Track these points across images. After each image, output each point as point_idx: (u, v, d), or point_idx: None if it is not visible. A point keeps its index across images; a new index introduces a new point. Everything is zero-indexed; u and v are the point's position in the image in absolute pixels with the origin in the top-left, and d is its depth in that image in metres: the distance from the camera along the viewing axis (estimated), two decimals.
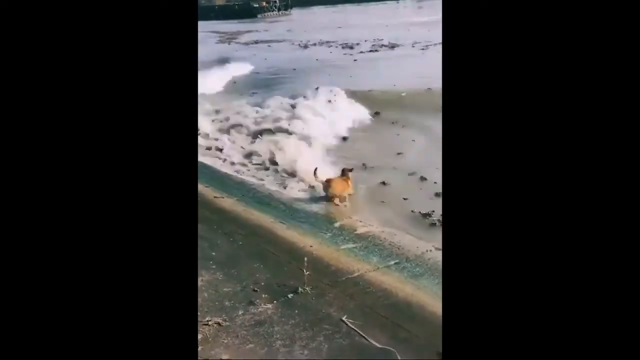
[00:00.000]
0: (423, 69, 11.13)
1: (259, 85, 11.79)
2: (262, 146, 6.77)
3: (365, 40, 16.77)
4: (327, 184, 5.15)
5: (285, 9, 36.20)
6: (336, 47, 16.09)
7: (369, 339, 2.75)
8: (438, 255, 4.09)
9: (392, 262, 3.88)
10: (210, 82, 11.24)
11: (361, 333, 2.80)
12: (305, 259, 3.37)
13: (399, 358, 2.62)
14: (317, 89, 9.02)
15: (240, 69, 13.42)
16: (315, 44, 17.00)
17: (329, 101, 8.41)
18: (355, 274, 3.59)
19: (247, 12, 33.45)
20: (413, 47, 15.11)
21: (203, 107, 8.84)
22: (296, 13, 34.78)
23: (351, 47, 15.73)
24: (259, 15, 33.96)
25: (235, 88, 11.78)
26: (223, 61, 14.09)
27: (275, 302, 3.10)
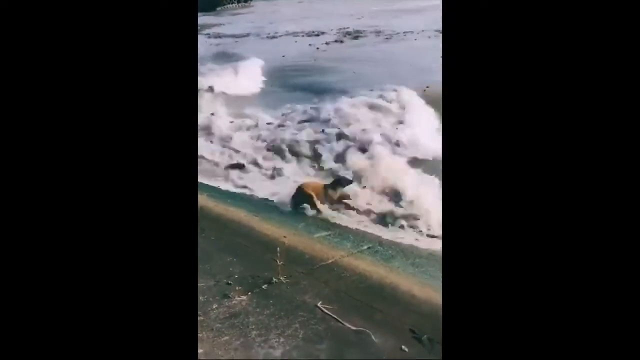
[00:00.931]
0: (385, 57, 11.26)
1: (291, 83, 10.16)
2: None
3: (331, 30, 16.76)
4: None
5: (245, 1, 35.25)
6: (302, 36, 16.00)
7: (344, 323, 2.79)
8: (409, 238, 4.20)
9: (365, 247, 3.94)
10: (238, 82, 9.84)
11: (336, 317, 2.84)
12: (278, 249, 3.37)
13: (374, 339, 2.67)
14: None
15: (252, 65, 11.52)
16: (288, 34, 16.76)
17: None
18: (330, 261, 3.63)
19: (204, 5, 32.47)
20: (378, 36, 15.21)
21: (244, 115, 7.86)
22: (258, 5, 34.14)
23: (317, 35, 15.71)
24: (217, 8, 32.99)
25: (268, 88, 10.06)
26: (224, 57, 12.67)
27: (249, 293, 3.10)
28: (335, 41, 14.71)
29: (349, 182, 4.89)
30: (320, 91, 8.78)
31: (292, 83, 10.08)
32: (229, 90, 9.51)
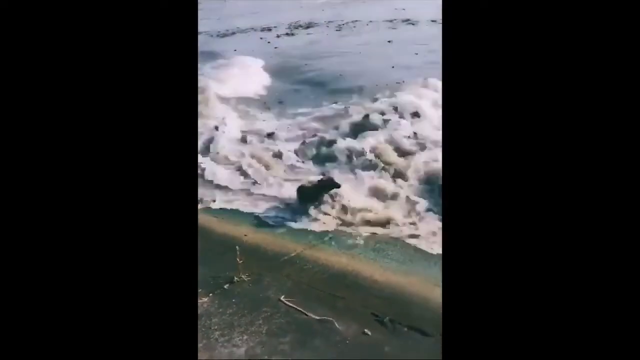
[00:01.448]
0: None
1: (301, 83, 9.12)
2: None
3: (282, 24, 16.63)
4: None
5: None
6: (255, 31, 15.77)
7: (307, 314, 2.81)
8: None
9: (327, 237, 3.97)
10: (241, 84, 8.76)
11: (299, 309, 2.86)
12: (237, 247, 3.34)
13: (338, 326, 2.71)
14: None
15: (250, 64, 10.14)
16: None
17: None
18: (292, 254, 3.64)
19: None
20: (327, 27, 15.27)
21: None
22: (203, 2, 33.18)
23: (269, 30, 15.55)
24: None
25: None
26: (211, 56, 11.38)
27: (211, 295, 3.06)
28: (287, 34, 14.64)
29: (337, 185, 4.52)
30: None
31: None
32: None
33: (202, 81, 8.09)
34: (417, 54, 9.87)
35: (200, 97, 7.44)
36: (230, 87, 8.64)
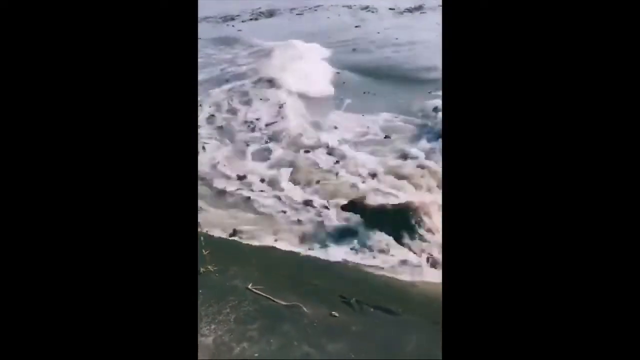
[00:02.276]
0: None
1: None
2: None
3: (244, 12, 16.31)
4: None
5: None
6: (217, 21, 15.41)
7: (275, 300, 2.83)
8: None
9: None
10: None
11: (267, 296, 2.87)
12: (202, 238, 3.30)
13: (305, 310, 2.75)
14: None
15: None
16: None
17: None
18: (259, 244, 3.65)
19: None
20: (291, 12, 15.10)
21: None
22: None
23: (232, 19, 15.24)
24: None
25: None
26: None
27: None
28: (250, 19, 14.37)
29: None
30: None
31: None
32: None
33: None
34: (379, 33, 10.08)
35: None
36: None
